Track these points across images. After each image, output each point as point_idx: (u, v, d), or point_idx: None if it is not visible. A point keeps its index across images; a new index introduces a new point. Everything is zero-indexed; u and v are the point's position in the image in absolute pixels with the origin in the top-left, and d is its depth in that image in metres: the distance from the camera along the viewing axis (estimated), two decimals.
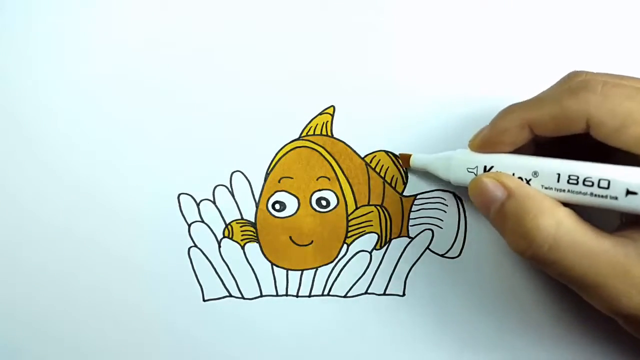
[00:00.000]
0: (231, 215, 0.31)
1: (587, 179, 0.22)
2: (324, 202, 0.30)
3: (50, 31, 0.32)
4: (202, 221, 0.31)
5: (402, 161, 0.30)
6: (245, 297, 0.31)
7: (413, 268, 0.30)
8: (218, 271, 0.31)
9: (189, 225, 0.31)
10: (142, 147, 0.31)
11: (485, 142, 0.25)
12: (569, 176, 0.23)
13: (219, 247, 0.31)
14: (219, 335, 0.31)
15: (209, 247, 0.31)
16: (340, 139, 0.31)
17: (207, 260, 0.31)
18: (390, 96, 0.31)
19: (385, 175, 0.30)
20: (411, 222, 0.30)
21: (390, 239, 0.30)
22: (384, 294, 0.30)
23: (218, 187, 0.31)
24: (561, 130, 0.23)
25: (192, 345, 0.31)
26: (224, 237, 0.31)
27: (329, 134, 0.31)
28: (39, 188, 0.31)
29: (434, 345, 0.30)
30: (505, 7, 0.30)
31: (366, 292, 0.30)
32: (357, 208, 0.30)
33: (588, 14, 0.30)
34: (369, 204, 0.30)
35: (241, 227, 0.31)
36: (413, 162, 0.29)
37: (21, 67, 0.32)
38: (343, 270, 0.30)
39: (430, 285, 0.30)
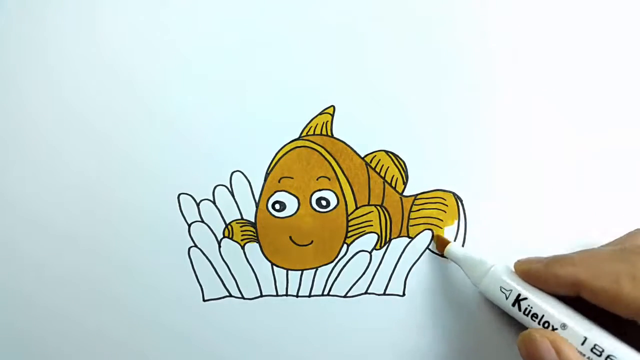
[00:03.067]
0: (231, 215, 0.31)
1: (610, 357, 0.22)
2: (324, 202, 0.30)
3: (51, 31, 0.32)
4: (202, 221, 0.31)
5: (436, 244, 0.30)
6: (245, 297, 0.31)
7: (413, 268, 0.30)
8: (218, 271, 0.31)
9: (189, 225, 0.31)
10: (142, 147, 0.31)
11: (532, 275, 0.25)
12: (595, 345, 0.23)
13: (219, 247, 0.31)
14: (219, 335, 0.31)
15: (209, 247, 0.31)
16: (340, 139, 0.31)
17: (207, 260, 0.31)
18: (390, 96, 0.31)
19: (385, 175, 0.30)
20: (411, 222, 0.30)
21: (390, 239, 0.30)
22: (384, 294, 0.30)
23: (218, 187, 0.31)
24: (612, 309, 0.23)
25: (192, 345, 0.31)
26: (224, 237, 0.31)
27: (329, 134, 0.31)
28: (39, 188, 0.31)
29: (434, 345, 0.30)
30: (502, 8, 0.30)
31: (366, 292, 0.30)
32: (357, 208, 0.30)
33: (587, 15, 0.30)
34: (369, 204, 0.30)
35: (241, 227, 0.31)
36: (447, 252, 0.29)
37: (22, 65, 0.32)
38: (343, 270, 0.30)
39: (430, 285, 0.30)
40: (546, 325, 0.24)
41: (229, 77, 0.31)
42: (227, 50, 0.31)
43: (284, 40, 0.31)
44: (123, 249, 0.31)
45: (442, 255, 0.30)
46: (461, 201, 0.30)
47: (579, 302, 0.24)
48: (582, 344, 0.23)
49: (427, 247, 0.30)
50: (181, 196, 0.31)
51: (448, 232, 0.30)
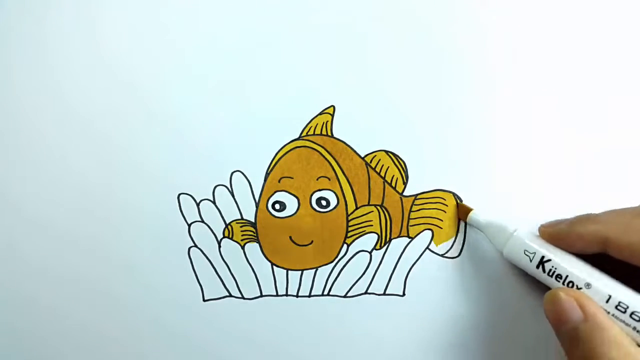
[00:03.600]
0: (231, 215, 0.31)
1: (635, 313, 0.23)
2: (324, 202, 0.30)
3: (51, 31, 0.32)
4: (202, 221, 0.31)
5: (460, 212, 0.30)
6: (245, 297, 0.31)
7: (413, 268, 0.30)
8: (218, 271, 0.31)
9: (189, 225, 0.31)
10: (142, 147, 0.31)
11: (556, 237, 0.26)
12: (619, 302, 0.23)
13: (219, 247, 0.31)
14: (219, 335, 0.31)
15: (209, 247, 0.31)
16: (340, 138, 0.31)
17: (207, 260, 0.31)
18: (390, 96, 0.31)
19: (385, 175, 0.30)
20: (411, 222, 0.30)
21: (390, 239, 0.30)
22: (384, 294, 0.30)
23: (218, 187, 0.31)
24: (636, 261, 0.23)
25: (192, 345, 0.31)
26: (224, 237, 0.31)
27: (329, 133, 0.31)
28: (39, 188, 0.31)
29: (434, 345, 0.30)
30: (502, 8, 0.30)
31: (366, 292, 0.30)
32: (357, 208, 0.30)
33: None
34: (369, 204, 0.30)
35: (241, 227, 0.31)
36: (470, 219, 0.29)
37: (22, 66, 0.32)
38: (343, 270, 0.30)
39: (430, 285, 0.30)
40: (570, 285, 0.24)
41: (229, 77, 0.31)
42: (227, 51, 0.31)
43: (284, 40, 0.31)
44: (123, 249, 0.31)
45: (443, 255, 0.30)
46: (461, 201, 0.30)
47: (605, 262, 0.24)
48: (607, 301, 0.23)
49: (427, 247, 0.30)
50: (181, 196, 0.31)
51: (449, 232, 0.30)
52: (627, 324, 0.23)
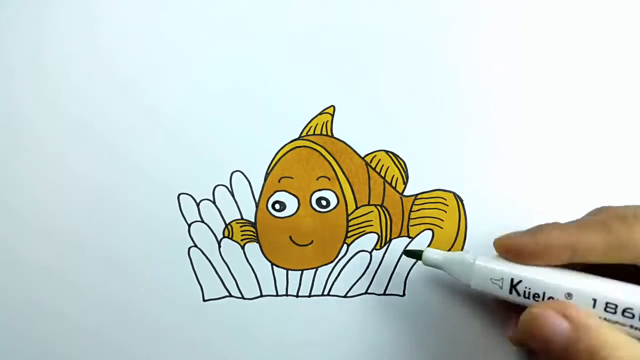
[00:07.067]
0: (231, 215, 0.31)
1: (627, 310, 0.20)
2: (324, 202, 0.30)
3: (51, 33, 0.32)
4: (202, 221, 0.31)
5: (414, 257, 0.27)
6: (245, 297, 0.31)
7: (413, 268, 0.30)
8: (218, 271, 0.31)
9: (189, 225, 0.31)
10: (142, 147, 0.31)
11: (520, 252, 0.23)
12: (607, 304, 0.20)
13: (219, 247, 0.31)
14: (219, 335, 0.31)
15: (209, 247, 0.31)
16: (340, 138, 0.31)
17: (207, 260, 0.31)
18: (390, 96, 0.31)
19: (385, 175, 0.30)
20: (411, 222, 0.30)
21: (390, 239, 0.30)
22: (384, 294, 0.30)
23: (218, 187, 0.31)
24: (609, 258, 0.21)
25: (192, 345, 0.31)
26: (224, 237, 0.31)
27: (329, 133, 0.31)
28: (39, 188, 0.31)
29: (434, 345, 0.30)
30: (502, 8, 0.30)
31: (366, 292, 0.30)
32: (357, 208, 0.30)
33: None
34: (369, 204, 0.30)
35: (241, 227, 0.31)
36: (425, 259, 0.26)
37: (23, 66, 0.32)
38: (343, 270, 0.30)
39: (430, 285, 0.30)
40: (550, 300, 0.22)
41: (229, 77, 0.31)
42: (227, 50, 0.31)
43: (284, 40, 0.31)
44: (123, 249, 0.31)
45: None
46: (461, 201, 0.30)
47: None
48: (594, 307, 0.21)
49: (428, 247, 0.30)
50: (181, 196, 0.31)
51: (449, 232, 0.30)
52: (622, 325, 0.20)
